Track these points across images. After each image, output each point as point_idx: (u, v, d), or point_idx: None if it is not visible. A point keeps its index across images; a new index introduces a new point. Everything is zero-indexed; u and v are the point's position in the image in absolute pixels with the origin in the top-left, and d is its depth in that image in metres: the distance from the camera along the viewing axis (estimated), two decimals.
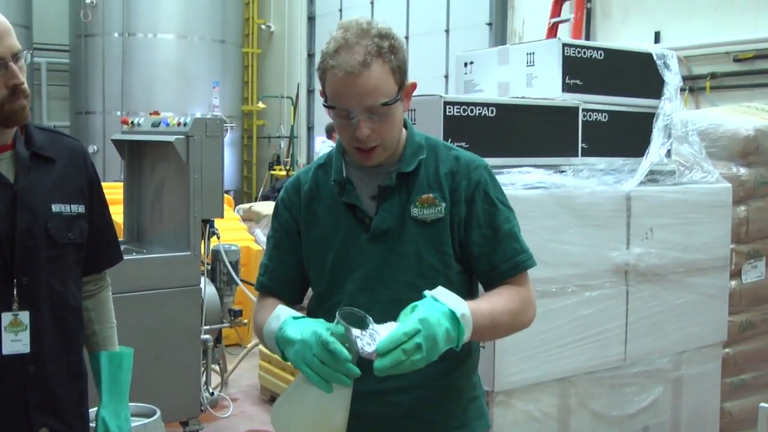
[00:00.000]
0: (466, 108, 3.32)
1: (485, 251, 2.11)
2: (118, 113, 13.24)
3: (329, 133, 11.52)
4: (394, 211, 2.10)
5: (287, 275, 2.23)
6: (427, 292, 1.91)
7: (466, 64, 4.15)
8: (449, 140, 3.28)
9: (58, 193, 2.22)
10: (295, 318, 1.97)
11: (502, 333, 2.15)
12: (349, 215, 2.12)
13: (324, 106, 2.04)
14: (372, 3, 13.05)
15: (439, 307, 1.85)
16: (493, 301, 2.04)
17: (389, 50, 1.98)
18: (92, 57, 13.53)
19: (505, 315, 2.03)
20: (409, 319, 1.81)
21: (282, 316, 1.99)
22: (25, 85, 2.11)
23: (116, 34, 13.53)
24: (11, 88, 2.08)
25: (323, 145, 12.28)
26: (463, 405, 2.21)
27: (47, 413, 2.20)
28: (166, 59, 13.63)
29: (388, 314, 1.89)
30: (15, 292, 2.10)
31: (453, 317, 1.84)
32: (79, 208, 2.26)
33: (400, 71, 2.01)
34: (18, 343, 2.11)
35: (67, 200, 2.23)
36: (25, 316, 2.12)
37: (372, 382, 1.86)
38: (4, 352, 2.10)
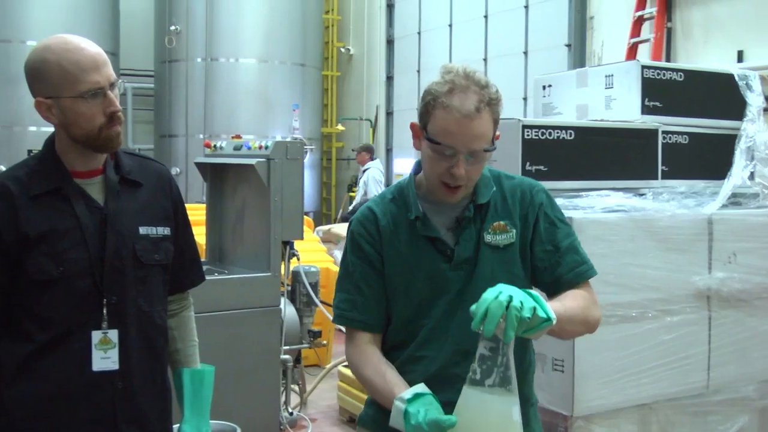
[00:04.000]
0: (545, 131, 3.33)
1: (548, 265, 2.27)
2: (201, 136, 13.52)
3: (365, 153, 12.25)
4: (472, 239, 2.25)
5: (378, 308, 2.30)
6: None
7: (544, 87, 4.15)
8: (527, 164, 3.29)
9: (145, 216, 2.30)
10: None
11: (575, 324, 2.20)
12: (430, 247, 2.25)
13: (426, 139, 2.16)
14: (450, 26, 13.08)
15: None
16: (561, 298, 2.19)
17: (495, 101, 2.13)
18: (176, 82, 13.85)
19: (575, 308, 2.16)
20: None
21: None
22: (121, 113, 2.21)
23: (199, 59, 13.84)
24: (109, 115, 2.17)
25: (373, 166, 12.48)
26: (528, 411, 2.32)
27: (134, 427, 2.27)
28: (248, 83, 13.88)
29: (467, 330, 1.96)
30: (104, 312, 2.19)
31: (530, 294, 1.97)
32: (164, 231, 2.34)
33: (497, 122, 2.16)
34: (107, 360, 2.19)
35: (153, 223, 2.31)
36: (114, 335, 2.20)
37: None
38: (94, 368, 2.18)
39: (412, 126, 2.25)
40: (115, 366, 2.20)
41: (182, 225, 2.45)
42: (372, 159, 12.90)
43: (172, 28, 13.73)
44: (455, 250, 2.23)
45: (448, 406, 2.03)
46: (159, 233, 2.32)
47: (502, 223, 2.26)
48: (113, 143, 2.21)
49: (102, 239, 2.19)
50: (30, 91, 2.19)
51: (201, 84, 13.75)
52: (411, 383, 2.15)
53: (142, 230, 2.27)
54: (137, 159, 2.38)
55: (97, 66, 2.15)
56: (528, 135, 3.29)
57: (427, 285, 2.25)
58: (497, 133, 2.18)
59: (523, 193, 2.31)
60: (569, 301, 2.16)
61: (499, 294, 1.90)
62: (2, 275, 2.16)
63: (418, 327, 2.25)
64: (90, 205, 2.21)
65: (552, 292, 2.27)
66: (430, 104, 2.14)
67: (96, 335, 2.18)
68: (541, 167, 3.31)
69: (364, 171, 12.66)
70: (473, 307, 1.91)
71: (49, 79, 2.13)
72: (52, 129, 2.24)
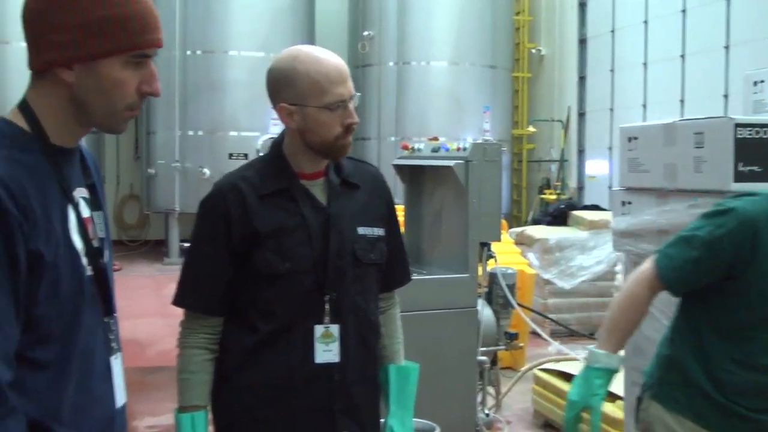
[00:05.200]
0: (760, 130, 3.18)
1: None
2: (393, 139, 13.78)
3: None
4: None
5: None
6: None
7: (755, 83, 3.97)
8: (740, 165, 3.16)
9: (362, 216, 2.39)
10: None
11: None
12: None
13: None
14: (646, 22, 12.72)
15: None
16: None
17: None
18: (369, 86, 14.17)
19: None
20: None
21: None
22: (356, 124, 2.31)
23: (391, 63, 14.12)
24: (346, 126, 2.28)
25: None
26: None
27: (348, 418, 2.37)
28: (439, 86, 14.03)
29: None
30: (327, 307, 2.29)
31: None
32: (380, 231, 2.43)
33: None
34: (329, 353, 2.30)
35: (370, 223, 2.40)
36: (335, 329, 2.31)
37: None
38: (317, 361, 2.30)
39: None
40: (336, 359, 2.31)
41: (394, 226, 2.54)
42: None
43: (366, 33, 14.07)
44: None
45: None
46: (375, 233, 2.41)
47: None
48: (344, 152, 2.33)
49: (325, 238, 2.30)
50: (270, 96, 2.32)
51: (393, 87, 14.02)
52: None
53: (361, 230, 2.37)
54: (354, 162, 2.48)
55: (343, 79, 2.27)
56: (741, 134, 3.16)
57: None
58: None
59: None
60: None
61: None
62: (232, 268, 2.30)
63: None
64: (315, 206, 2.33)
65: None
66: None
67: (318, 329, 2.29)
68: (756, 168, 3.17)
69: None
70: None
71: (297, 88, 2.25)
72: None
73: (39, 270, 1.57)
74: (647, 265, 2.41)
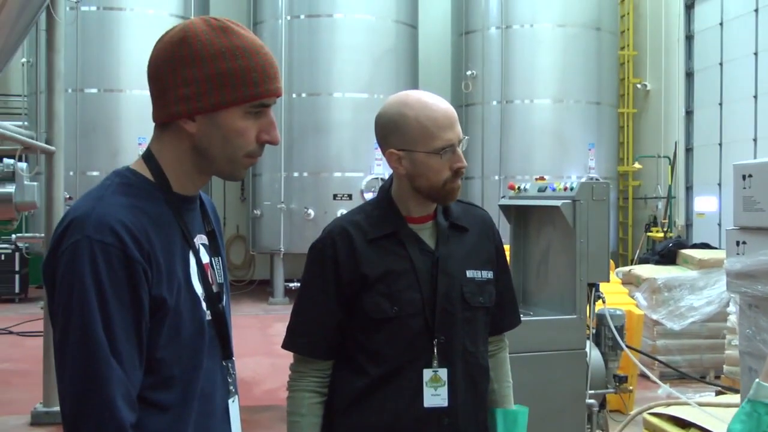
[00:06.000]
0: None
1: None
2: (496, 178, 13.74)
3: None
4: None
5: None
6: None
7: None
8: None
9: (471, 260, 2.39)
10: None
11: None
12: None
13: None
14: (756, 54, 12.41)
15: None
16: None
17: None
18: (472, 124, 14.20)
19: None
20: None
21: None
22: (465, 168, 2.33)
23: (495, 102, 14.12)
24: (455, 170, 2.29)
25: None
26: None
27: None
28: (543, 124, 13.96)
29: None
30: (435, 351, 2.29)
31: None
32: (488, 274, 2.42)
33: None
34: (437, 397, 2.29)
35: (479, 266, 2.40)
36: (443, 373, 2.29)
37: None
38: (426, 405, 2.28)
39: None
40: (445, 403, 2.29)
41: (502, 268, 2.52)
42: None
43: (469, 73, 14.13)
44: None
45: None
46: (484, 277, 2.40)
47: None
48: (453, 196, 2.33)
49: (434, 282, 2.30)
50: (379, 142, 2.35)
51: (497, 126, 14.01)
52: None
53: (469, 273, 2.36)
54: (463, 205, 2.48)
55: (452, 124, 2.28)
56: None
57: None
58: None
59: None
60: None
61: None
62: (342, 312, 2.32)
63: None
64: (423, 249, 2.33)
65: None
66: None
67: (427, 373, 2.28)
68: None
69: None
70: None
71: (407, 134, 2.27)
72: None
73: (161, 315, 1.63)
74: None
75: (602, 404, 5.52)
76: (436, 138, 2.25)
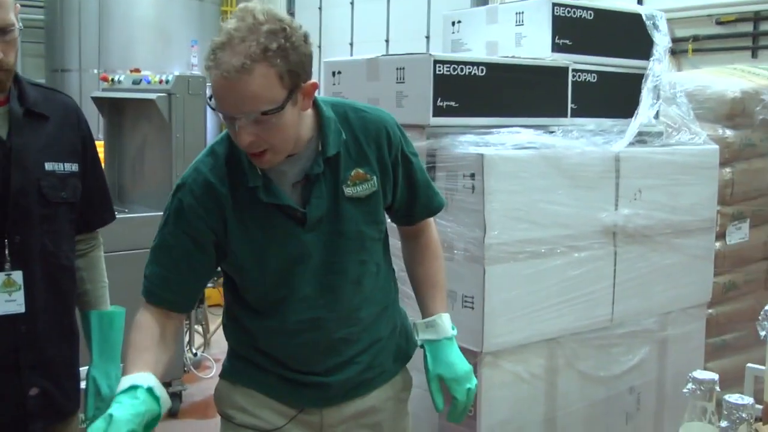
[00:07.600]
0: (456, 67, 3.28)
1: (405, 203, 2.25)
2: (95, 71, 13.08)
3: None
4: (325, 196, 2.03)
5: (193, 288, 2.08)
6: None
7: (453, 23, 4.11)
8: (438, 100, 3.25)
9: (51, 151, 2.19)
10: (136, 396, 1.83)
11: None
12: (277, 212, 2.01)
13: (207, 105, 1.99)
14: None
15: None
16: (438, 276, 2.35)
17: (277, 52, 1.78)
18: (68, 13, 13.30)
19: (441, 276, 2.35)
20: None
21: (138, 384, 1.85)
22: (7, 59, 2.06)
23: None
24: None
25: None
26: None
27: (38, 374, 2.19)
28: (144, 17, 13.45)
29: (339, 297, 2.07)
30: (7, 252, 2.08)
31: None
32: (72, 167, 2.23)
33: (291, 75, 1.82)
34: (12, 303, 2.09)
35: (60, 158, 2.20)
36: (18, 276, 2.10)
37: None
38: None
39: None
40: (21, 309, 2.11)
41: (91, 161, 2.35)
42: None
43: None
44: (306, 212, 2.00)
45: (332, 374, 2.10)
46: (66, 170, 2.21)
47: (360, 171, 2.06)
48: None
49: (5, 175, 2.07)
50: None
51: (95, 16, 13.25)
52: (285, 356, 2.09)
53: (48, 166, 2.16)
54: (43, 90, 2.25)
55: None
56: (440, 70, 3.24)
57: (283, 254, 2.01)
58: (307, 83, 1.89)
59: (378, 131, 2.10)
60: (436, 276, 2.33)
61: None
62: None
63: (279, 298, 2.04)
64: None
65: (402, 222, 2.33)
66: (205, 64, 1.84)
67: (0, 277, 2.07)
68: (452, 103, 3.28)
69: None
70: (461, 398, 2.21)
71: None
72: None
73: None
74: None
75: (200, 299, 5.55)
76: None
